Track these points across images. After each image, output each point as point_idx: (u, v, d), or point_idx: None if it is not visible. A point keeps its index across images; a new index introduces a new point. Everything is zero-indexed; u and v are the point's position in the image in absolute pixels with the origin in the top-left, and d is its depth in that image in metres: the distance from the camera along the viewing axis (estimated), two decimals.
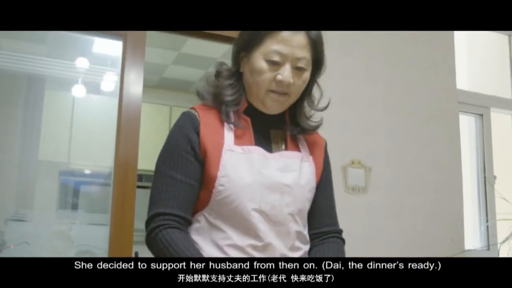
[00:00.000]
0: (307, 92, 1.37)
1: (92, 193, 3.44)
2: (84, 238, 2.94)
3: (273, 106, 1.31)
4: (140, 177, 4.64)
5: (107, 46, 3.10)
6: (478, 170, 3.59)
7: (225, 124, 1.31)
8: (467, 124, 3.67)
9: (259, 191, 1.25)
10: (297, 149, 1.38)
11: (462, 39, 3.86)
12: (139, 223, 3.09)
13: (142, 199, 3.42)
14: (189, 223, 1.27)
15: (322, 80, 1.40)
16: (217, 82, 1.35)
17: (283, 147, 1.37)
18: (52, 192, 3.24)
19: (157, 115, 5.18)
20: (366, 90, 3.06)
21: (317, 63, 1.34)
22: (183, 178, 1.25)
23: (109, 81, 3.18)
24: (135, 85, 2.64)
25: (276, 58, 1.26)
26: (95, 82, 3.22)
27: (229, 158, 1.26)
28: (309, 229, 1.38)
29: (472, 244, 3.50)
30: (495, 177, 3.58)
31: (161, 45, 4.56)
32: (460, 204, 3.23)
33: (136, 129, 2.60)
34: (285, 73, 1.26)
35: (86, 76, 3.20)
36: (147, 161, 3.99)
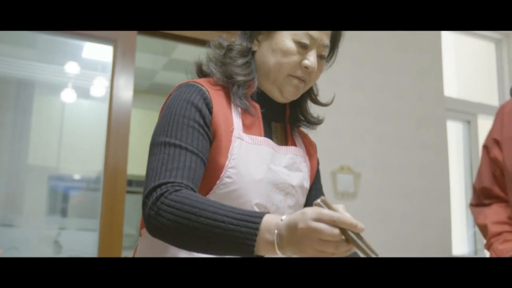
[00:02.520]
0: (314, 84, 1.31)
1: (82, 198, 3.42)
2: (73, 243, 2.93)
3: (290, 92, 1.20)
4: (130, 183, 4.64)
5: (97, 51, 3.10)
6: (466, 176, 3.62)
7: (233, 108, 1.18)
8: (455, 130, 3.71)
9: (268, 189, 1.15)
10: (295, 144, 1.31)
11: (450, 46, 3.90)
12: (129, 229, 3.09)
13: (131, 205, 3.42)
14: None
15: None
16: (228, 59, 1.20)
17: (285, 142, 1.28)
18: (41, 197, 3.22)
19: (147, 120, 5.17)
20: (355, 96, 3.08)
21: (331, 56, 1.28)
22: (192, 149, 1.06)
23: (99, 86, 3.18)
24: (125, 90, 2.64)
25: (306, 41, 1.16)
26: (85, 87, 3.22)
27: (239, 147, 1.13)
28: None
29: (460, 249, 3.53)
30: None
31: (151, 51, 4.57)
32: (447, 209, 3.26)
33: (126, 134, 2.60)
34: (311, 58, 1.17)
35: (76, 81, 3.19)
36: (136, 166, 4.00)
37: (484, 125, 3.81)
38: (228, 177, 1.10)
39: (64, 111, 3.40)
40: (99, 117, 2.79)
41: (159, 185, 1.00)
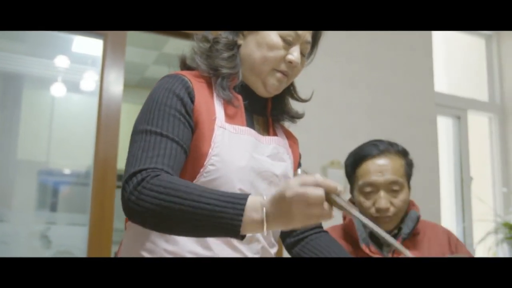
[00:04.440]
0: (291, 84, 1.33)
1: (71, 193, 3.41)
2: (62, 238, 2.92)
3: (274, 86, 1.22)
4: (120, 177, 4.62)
5: (87, 44, 3.08)
6: (455, 171, 3.65)
7: (215, 99, 1.19)
8: (444, 126, 3.73)
9: (251, 177, 1.16)
10: (276, 134, 1.32)
11: (440, 42, 3.92)
12: (119, 223, 3.07)
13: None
14: None
15: (302, 82, 1.41)
16: (213, 52, 1.22)
17: (267, 133, 1.29)
18: (30, 191, 3.20)
19: (137, 115, 5.15)
20: (346, 92, 3.08)
21: (310, 53, 1.30)
22: (173, 137, 1.07)
23: (89, 80, 3.16)
24: (115, 85, 2.63)
25: (291, 37, 1.19)
26: (75, 81, 3.20)
27: (222, 135, 1.14)
28: None
29: None
30: (471, 179, 3.64)
31: (142, 45, 4.55)
32: (437, 205, 3.28)
33: (116, 129, 2.59)
34: (295, 54, 1.20)
35: (66, 75, 3.17)
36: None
37: (474, 121, 3.83)
38: (212, 164, 1.11)
39: (54, 105, 3.38)
40: (89, 111, 2.78)
41: (140, 171, 1.00)
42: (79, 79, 3.21)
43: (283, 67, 1.21)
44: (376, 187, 1.59)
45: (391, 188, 1.59)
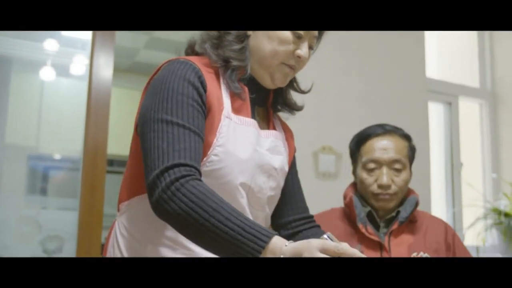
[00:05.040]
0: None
1: (62, 177, 3.39)
2: (52, 223, 2.91)
3: (281, 79, 1.24)
4: (111, 162, 4.60)
5: None
6: (446, 157, 3.66)
7: (223, 89, 1.19)
8: (436, 112, 3.73)
9: (252, 170, 1.17)
10: (275, 128, 1.34)
11: None
12: (109, 208, 3.07)
13: (113, 184, 3.40)
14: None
15: None
16: (225, 43, 1.21)
17: (266, 126, 1.31)
18: (20, 176, 3.18)
19: (128, 100, 5.12)
20: (337, 78, 3.08)
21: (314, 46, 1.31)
22: (195, 129, 1.07)
23: (79, 64, 3.12)
24: (105, 69, 2.60)
25: (302, 32, 1.20)
26: (65, 65, 3.16)
27: (227, 126, 1.14)
28: (292, 214, 1.35)
29: None
30: (462, 164, 3.66)
31: None
32: (427, 190, 3.29)
33: (106, 113, 2.57)
34: (305, 49, 1.21)
35: (55, 58, 3.13)
36: (118, 146, 3.97)
37: (465, 107, 3.84)
38: (215, 155, 1.11)
39: (43, 89, 3.34)
40: (79, 96, 2.75)
41: (172, 167, 1.00)
42: (68, 63, 3.17)
43: (291, 61, 1.22)
44: (379, 164, 1.65)
45: (394, 166, 1.65)
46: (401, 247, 1.60)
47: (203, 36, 1.24)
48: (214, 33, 1.22)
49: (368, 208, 1.67)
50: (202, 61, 1.19)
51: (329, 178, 2.96)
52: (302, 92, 1.37)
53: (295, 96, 1.39)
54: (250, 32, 1.22)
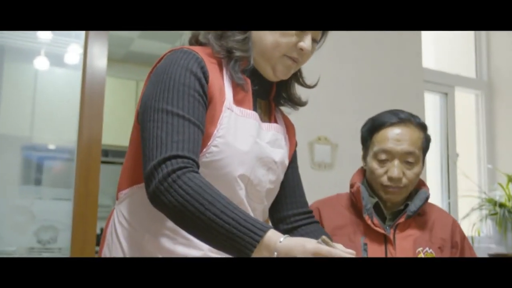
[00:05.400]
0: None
1: (56, 168, 3.38)
2: (47, 213, 2.90)
3: (283, 71, 1.22)
4: (106, 153, 4.59)
5: None
6: (441, 147, 3.66)
7: (225, 81, 1.18)
8: (432, 102, 3.73)
9: (252, 163, 1.17)
10: (277, 121, 1.33)
11: None
12: (105, 199, 3.06)
13: (108, 175, 3.39)
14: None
15: None
16: (227, 33, 1.19)
17: (268, 119, 1.30)
18: (14, 167, 3.16)
19: (123, 89, 5.09)
20: (333, 68, 3.06)
21: (321, 39, 1.30)
22: (195, 120, 1.06)
23: (73, 54, 3.09)
24: (99, 59, 2.58)
25: None
26: (59, 54, 3.13)
27: (228, 117, 1.14)
28: (292, 208, 1.36)
29: None
30: (457, 155, 3.66)
31: None
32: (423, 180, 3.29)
33: (100, 103, 2.55)
34: (307, 41, 1.20)
35: (49, 47, 3.10)
36: (112, 136, 3.95)
37: (461, 97, 3.83)
38: (215, 146, 1.11)
39: (37, 79, 3.32)
40: (73, 85, 2.73)
41: (169, 158, 1.00)
42: (62, 53, 3.15)
43: (294, 53, 1.20)
44: (391, 155, 1.57)
45: (406, 159, 1.57)
46: (406, 241, 1.56)
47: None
48: None
49: (376, 199, 1.61)
50: (205, 52, 1.18)
51: (325, 168, 2.96)
52: (308, 86, 1.36)
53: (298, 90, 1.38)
54: None
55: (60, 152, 3.34)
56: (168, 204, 0.98)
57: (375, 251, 1.53)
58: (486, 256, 3.20)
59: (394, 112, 1.63)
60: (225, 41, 1.18)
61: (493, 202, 3.26)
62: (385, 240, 1.56)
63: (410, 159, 1.57)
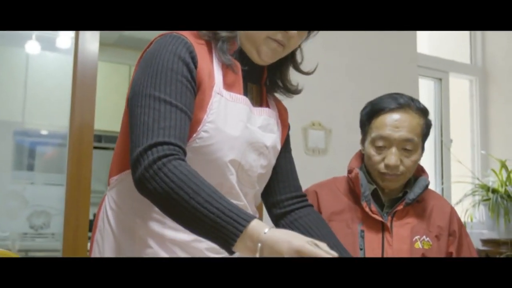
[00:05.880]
0: (293, 54, 1.31)
1: (49, 153, 3.36)
2: (39, 198, 2.89)
3: (268, 54, 1.19)
4: (99, 138, 4.57)
5: None
6: (435, 133, 3.66)
7: (215, 64, 1.16)
8: (426, 88, 3.72)
9: (243, 147, 1.16)
10: (268, 106, 1.32)
11: None
12: (98, 185, 3.05)
13: (101, 160, 3.38)
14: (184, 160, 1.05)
15: None
16: None
17: (259, 103, 1.28)
18: (6, 152, 3.14)
19: (115, 74, 5.05)
20: (327, 53, 3.04)
21: None
22: (182, 107, 1.05)
23: (65, 38, 3.07)
24: (91, 43, 2.55)
25: None
26: (50, 38, 3.10)
27: (218, 102, 1.12)
28: (285, 192, 1.35)
29: None
30: (451, 141, 3.67)
31: None
32: None
33: (92, 88, 2.53)
34: None
35: (41, 32, 3.07)
36: (105, 121, 3.92)
37: (455, 83, 3.83)
38: (205, 131, 1.10)
39: (28, 63, 3.29)
40: (65, 70, 2.70)
41: (155, 145, 0.99)
42: (54, 37, 3.12)
43: (278, 36, 1.17)
44: (389, 142, 1.53)
45: (404, 146, 1.53)
46: (403, 229, 1.54)
47: None
48: None
49: (374, 186, 1.59)
50: (194, 35, 1.17)
51: (319, 154, 2.95)
52: (305, 73, 1.34)
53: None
54: None
55: (52, 137, 3.33)
56: (153, 191, 0.97)
57: (372, 238, 1.53)
58: (478, 241, 3.22)
59: (394, 97, 1.59)
60: None
61: (486, 188, 3.26)
62: (382, 227, 1.54)
63: (408, 147, 1.53)
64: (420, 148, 1.58)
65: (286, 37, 1.18)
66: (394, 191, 1.60)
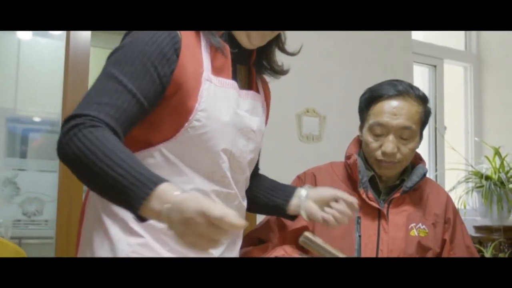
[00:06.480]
0: (278, 35, 1.29)
1: (41, 140, 3.34)
2: (32, 185, 2.87)
3: (257, 38, 1.19)
4: None
5: None
6: (430, 120, 3.66)
7: (203, 47, 1.14)
8: (420, 74, 3.72)
9: (233, 134, 1.15)
10: (258, 91, 1.31)
11: None
12: None
13: None
14: None
15: None
16: None
17: (247, 86, 1.27)
18: None
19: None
20: (321, 39, 3.03)
21: None
22: (135, 91, 1.03)
23: None
24: None
25: None
26: None
27: (208, 89, 1.11)
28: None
29: None
30: (445, 128, 3.67)
31: None
32: None
33: (85, 74, 2.51)
34: None
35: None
36: None
37: (450, 70, 3.82)
38: (197, 120, 1.08)
39: (20, 49, 3.26)
40: (57, 56, 2.67)
41: (79, 115, 0.97)
42: None
43: None
44: (386, 130, 1.52)
45: (402, 134, 1.52)
46: (399, 216, 1.54)
47: None
48: None
49: (371, 173, 1.58)
50: None
51: (313, 140, 2.95)
52: (289, 53, 1.33)
53: (282, 58, 1.35)
54: None
55: (45, 124, 3.30)
56: (68, 157, 0.96)
57: (368, 225, 1.52)
58: (471, 228, 3.24)
59: (393, 84, 1.57)
60: None
61: (479, 175, 3.27)
62: (379, 214, 1.54)
63: (406, 134, 1.52)
64: (418, 136, 1.57)
65: None
66: (391, 179, 1.59)
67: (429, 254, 1.53)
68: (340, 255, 1.25)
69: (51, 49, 3.19)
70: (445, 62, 3.76)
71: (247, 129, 1.20)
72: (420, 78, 3.70)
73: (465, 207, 3.31)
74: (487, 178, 3.23)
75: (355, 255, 1.48)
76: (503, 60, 3.74)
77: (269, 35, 1.21)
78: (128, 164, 0.92)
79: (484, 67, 3.85)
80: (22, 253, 1.72)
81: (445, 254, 1.56)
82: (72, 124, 0.96)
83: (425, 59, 3.65)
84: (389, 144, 1.51)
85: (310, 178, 1.62)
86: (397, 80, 1.60)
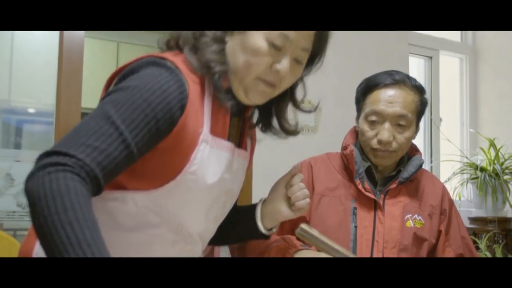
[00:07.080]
0: (292, 89, 1.21)
1: (36, 131, 3.33)
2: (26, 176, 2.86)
3: (256, 97, 1.10)
4: (84, 115, 4.53)
5: None
6: (425, 112, 3.66)
7: (205, 99, 1.06)
8: (416, 66, 3.72)
9: (215, 194, 1.11)
10: (245, 147, 1.24)
11: None
12: None
13: None
14: (97, 193, 0.91)
15: None
16: (201, 45, 1.06)
17: (238, 140, 1.20)
18: None
19: (103, 51, 4.98)
20: None
21: (313, 58, 1.18)
22: (130, 140, 0.92)
23: None
24: None
25: (280, 42, 1.05)
26: None
27: (203, 151, 1.04)
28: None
29: None
30: (441, 119, 3.67)
31: None
32: None
33: (79, 65, 2.49)
34: (284, 62, 1.07)
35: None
36: (92, 99, 3.88)
37: (446, 61, 3.82)
38: (184, 181, 1.03)
39: (14, 40, 3.24)
40: (52, 47, 2.66)
41: (65, 154, 0.86)
42: None
43: (269, 76, 1.07)
44: (382, 117, 1.52)
45: (398, 122, 1.52)
46: (395, 207, 1.54)
47: (175, 36, 1.11)
48: (188, 35, 1.08)
49: (368, 163, 1.58)
50: (189, 70, 1.05)
51: (308, 132, 2.94)
52: (305, 111, 1.26)
53: None
54: (227, 38, 1.09)
55: (39, 115, 3.29)
56: (29, 191, 0.84)
57: (364, 216, 1.52)
58: (466, 219, 3.25)
59: (390, 73, 1.57)
60: (201, 54, 1.05)
61: (474, 166, 3.28)
62: (375, 205, 1.54)
63: (402, 123, 1.52)
64: (414, 125, 1.56)
65: (277, 76, 1.08)
66: (387, 169, 1.59)
67: (425, 245, 1.53)
68: (336, 246, 1.24)
69: (45, 40, 3.17)
70: (441, 53, 3.76)
71: (229, 192, 1.16)
72: (416, 69, 3.70)
73: (460, 198, 3.32)
74: (482, 169, 3.23)
75: (350, 245, 1.48)
76: (499, 52, 3.74)
77: (270, 94, 1.11)
78: (82, 232, 0.80)
79: (480, 59, 3.86)
80: (17, 245, 1.71)
81: (440, 245, 1.56)
82: (54, 161, 0.84)
83: (421, 51, 3.64)
84: (385, 132, 1.51)
85: (306, 168, 1.62)
86: (394, 70, 1.60)
